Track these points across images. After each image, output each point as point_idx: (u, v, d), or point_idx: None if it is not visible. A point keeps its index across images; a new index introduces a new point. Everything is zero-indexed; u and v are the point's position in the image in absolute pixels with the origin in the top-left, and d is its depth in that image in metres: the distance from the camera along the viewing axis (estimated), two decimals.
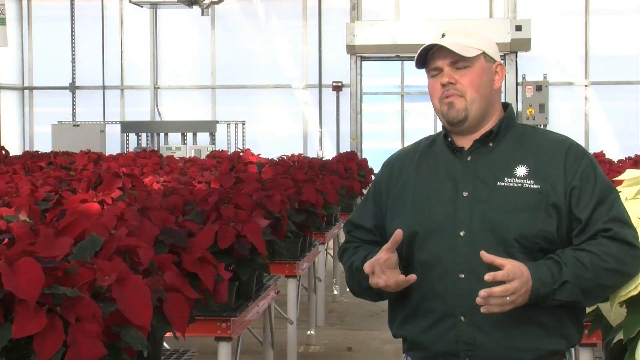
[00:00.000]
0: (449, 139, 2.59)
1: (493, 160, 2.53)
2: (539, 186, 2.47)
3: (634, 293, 2.45)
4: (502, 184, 2.49)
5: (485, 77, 2.55)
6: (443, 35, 2.55)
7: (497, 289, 2.35)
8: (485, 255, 2.37)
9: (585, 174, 2.48)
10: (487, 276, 2.35)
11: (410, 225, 2.52)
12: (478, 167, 2.53)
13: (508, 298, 2.36)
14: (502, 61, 2.61)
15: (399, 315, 2.59)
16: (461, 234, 2.48)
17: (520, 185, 2.48)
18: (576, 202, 2.45)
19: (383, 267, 2.45)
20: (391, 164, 2.68)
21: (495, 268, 2.38)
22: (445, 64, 2.53)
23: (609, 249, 2.42)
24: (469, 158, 2.55)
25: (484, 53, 2.55)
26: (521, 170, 2.50)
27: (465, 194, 2.51)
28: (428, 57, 2.57)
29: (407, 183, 2.60)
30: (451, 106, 2.53)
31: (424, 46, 2.55)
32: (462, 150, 2.57)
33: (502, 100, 2.66)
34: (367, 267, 2.48)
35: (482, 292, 2.35)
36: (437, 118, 2.62)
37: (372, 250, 2.55)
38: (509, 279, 2.35)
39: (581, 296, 2.42)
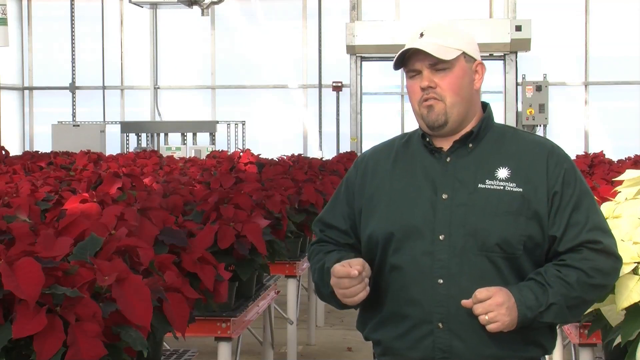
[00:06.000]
0: (427, 139, 2.49)
1: (473, 162, 2.45)
2: (521, 189, 2.39)
3: (637, 300, 2.44)
4: (483, 186, 2.41)
5: (465, 79, 2.45)
6: (422, 35, 2.45)
7: (480, 291, 2.33)
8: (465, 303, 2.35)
9: (566, 179, 2.42)
10: (465, 302, 2.34)
11: (386, 226, 2.44)
12: (457, 169, 2.44)
13: (492, 311, 2.32)
14: (482, 60, 2.50)
15: (371, 319, 2.54)
16: (440, 237, 2.39)
17: (502, 188, 2.40)
18: (557, 208, 2.39)
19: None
20: (364, 163, 2.57)
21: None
22: (424, 66, 2.43)
23: (596, 264, 2.38)
24: (448, 159, 2.46)
25: (464, 53, 2.44)
26: (502, 172, 2.42)
27: (444, 196, 2.42)
28: (406, 57, 2.47)
29: (382, 183, 2.50)
30: (430, 109, 2.43)
31: (402, 50, 2.45)
32: (441, 151, 2.47)
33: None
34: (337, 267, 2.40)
35: (465, 302, 2.34)
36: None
37: (346, 255, 2.48)
38: (488, 293, 2.33)
39: (568, 315, 2.39)
